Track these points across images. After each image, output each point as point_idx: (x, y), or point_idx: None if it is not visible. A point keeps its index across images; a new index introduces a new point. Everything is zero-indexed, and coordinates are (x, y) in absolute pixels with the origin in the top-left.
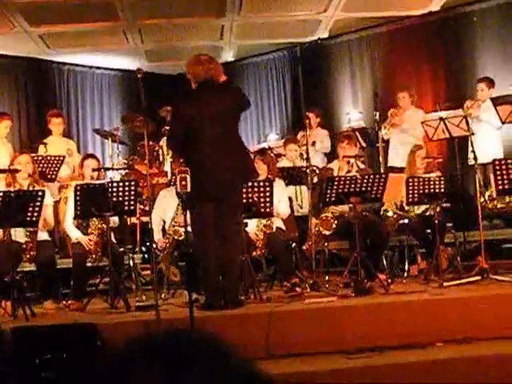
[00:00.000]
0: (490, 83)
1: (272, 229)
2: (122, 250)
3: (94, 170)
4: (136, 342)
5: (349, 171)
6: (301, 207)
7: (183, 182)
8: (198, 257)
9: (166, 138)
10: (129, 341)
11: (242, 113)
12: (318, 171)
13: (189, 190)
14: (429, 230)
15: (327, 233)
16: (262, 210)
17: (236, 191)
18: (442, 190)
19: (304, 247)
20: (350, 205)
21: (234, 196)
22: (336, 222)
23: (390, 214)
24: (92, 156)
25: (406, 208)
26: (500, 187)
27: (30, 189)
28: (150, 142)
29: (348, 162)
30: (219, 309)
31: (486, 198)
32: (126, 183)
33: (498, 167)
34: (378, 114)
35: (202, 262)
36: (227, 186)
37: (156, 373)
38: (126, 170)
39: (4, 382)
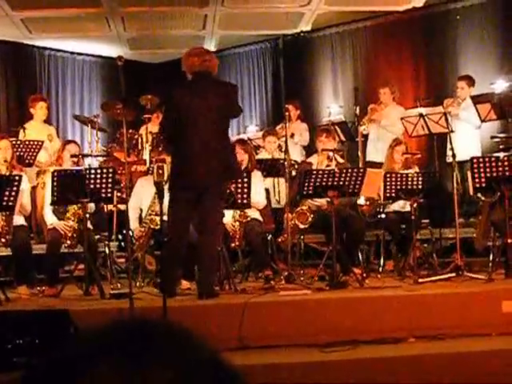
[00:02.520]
0: (470, 81)
1: (247, 218)
2: (97, 237)
3: (72, 155)
4: (96, 333)
5: (328, 165)
6: (277, 200)
7: (160, 171)
8: (197, 246)
9: (159, 124)
10: (89, 331)
11: (231, 116)
12: (296, 166)
13: (165, 179)
14: (404, 226)
15: (303, 226)
16: (240, 200)
17: (220, 184)
18: (420, 187)
19: (279, 239)
20: (328, 198)
21: (218, 189)
22: (312, 215)
23: (361, 201)
24: (73, 142)
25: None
26: (477, 185)
27: (7, 174)
28: (130, 130)
29: (328, 157)
30: (171, 296)
31: None
32: (104, 170)
33: (475, 165)
34: (358, 108)
35: (168, 247)
36: (212, 176)
37: (117, 366)
38: (105, 157)
39: None
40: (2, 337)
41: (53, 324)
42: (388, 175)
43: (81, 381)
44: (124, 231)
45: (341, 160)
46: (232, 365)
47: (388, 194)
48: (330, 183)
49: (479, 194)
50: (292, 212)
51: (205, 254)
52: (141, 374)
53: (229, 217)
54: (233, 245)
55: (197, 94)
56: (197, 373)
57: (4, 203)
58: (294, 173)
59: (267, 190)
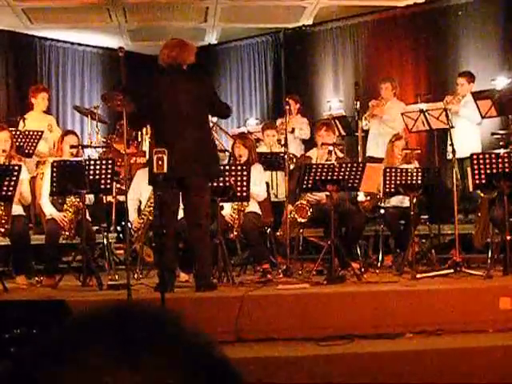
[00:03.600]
0: (471, 78)
1: (244, 209)
2: (96, 228)
3: (72, 146)
4: (86, 319)
5: (328, 160)
6: (275, 194)
7: (160, 162)
8: (190, 240)
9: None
10: (77, 317)
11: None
12: (295, 160)
13: (165, 170)
14: (403, 222)
15: (302, 220)
16: (239, 193)
17: (202, 177)
18: (419, 182)
19: (278, 233)
20: (327, 193)
21: (201, 182)
22: (311, 209)
23: (360, 198)
24: (72, 132)
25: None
26: (477, 181)
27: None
28: None
29: (329, 152)
30: (171, 291)
31: None
32: (104, 161)
33: (475, 161)
34: (358, 103)
35: (158, 246)
36: (189, 164)
37: (106, 352)
38: (104, 149)
39: None
40: None
41: (50, 314)
42: (388, 170)
43: (69, 366)
44: (122, 223)
45: (340, 154)
46: (225, 355)
47: (387, 189)
48: (329, 177)
49: (479, 191)
50: (292, 205)
51: (197, 247)
52: (131, 360)
53: (228, 209)
54: (231, 235)
55: (166, 84)
56: (189, 360)
57: (3, 193)
58: (292, 167)
59: (267, 184)
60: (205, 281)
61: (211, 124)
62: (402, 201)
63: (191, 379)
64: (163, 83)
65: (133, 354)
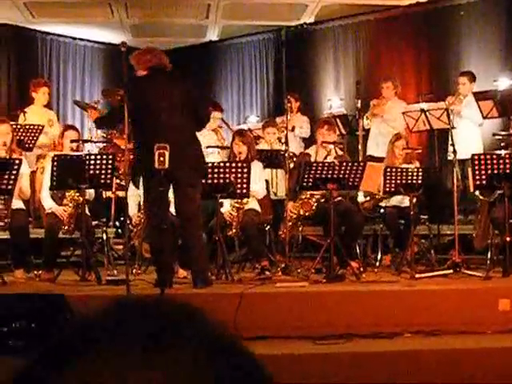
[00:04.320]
0: (472, 77)
1: (243, 206)
2: (95, 223)
3: (72, 141)
4: (106, 313)
5: (326, 157)
6: (274, 192)
7: (161, 158)
8: (183, 236)
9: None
10: (98, 312)
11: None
12: (294, 158)
13: (166, 166)
14: (402, 221)
15: (308, 214)
16: (239, 190)
17: (189, 175)
18: (420, 182)
19: (280, 232)
20: (327, 191)
21: (187, 179)
22: (316, 203)
23: (360, 199)
24: (72, 127)
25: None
26: (478, 182)
27: (7, 157)
28: None
29: (329, 150)
30: (170, 287)
31: None
32: (104, 157)
33: (476, 162)
34: (359, 102)
35: (152, 241)
36: (174, 162)
37: (129, 350)
38: (105, 144)
39: None
40: None
41: (49, 308)
42: (388, 169)
43: (90, 364)
44: (122, 218)
45: (340, 152)
46: (250, 351)
47: (387, 189)
48: (329, 175)
49: (478, 194)
50: (295, 202)
51: (189, 243)
52: (158, 358)
53: (227, 206)
54: (230, 233)
55: (155, 86)
56: (219, 359)
57: (3, 186)
58: (291, 165)
59: (266, 181)
60: (201, 276)
61: (219, 120)
62: (401, 201)
63: (221, 379)
64: (153, 84)
65: (160, 351)
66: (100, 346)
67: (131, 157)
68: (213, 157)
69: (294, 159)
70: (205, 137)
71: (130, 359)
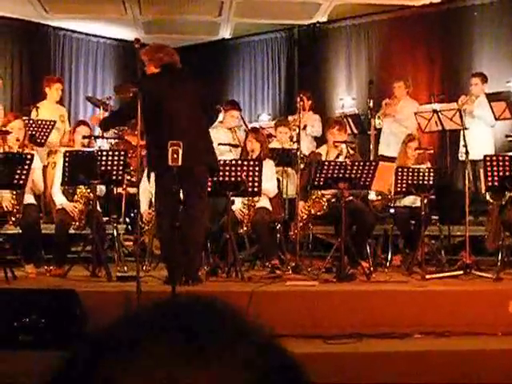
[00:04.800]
0: (484, 78)
1: (255, 204)
2: (106, 219)
3: (84, 137)
4: (147, 311)
5: (338, 156)
6: (286, 192)
7: (175, 156)
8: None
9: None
10: (139, 310)
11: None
12: (305, 159)
13: (180, 163)
14: (413, 222)
15: (319, 213)
16: (250, 188)
17: (200, 173)
18: (431, 182)
19: (291, 233)
20: (338, 190)
21: (199, 177)
22: (327, 202)
23: (371, 197)
24: (84, 123)
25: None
26: (490, 183)
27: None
28: None
29: (340, 150)
30: (181, 284)
31: None
32: (116, 153)
33: (488, 163)
34: (371, 101)
35: (162, 238)
36: (188, 160)
37: (172, 347)
38: (116, 140)
39: None
40: (8, 315)
41: (59, 303)
42: (400, 170)
43: (136, 361)
44: (132, 214)
45: (351, 151)
46: (289, 352)
47: (399, 189)
48: (341, 175)
49: (488, 197)
50: (306, 201)
51: (190, 241)
52: (201, 359)
53: (238, 204)
54: (240, 231)
55: (168, 84)
56: (262, 359)
57: (15, 181)
58: (302, 165)
59: (278, 180)
60: (192, 274)
61: (236, 119)
62: (413, 201)
63: (264, 380)
64: (167, 81)
65: (203, 351)
66: (144, 346)
67: (143, 153)
68: (225, 154)
69: (305, 160)
70: (221, 135)
71: (176, 359)
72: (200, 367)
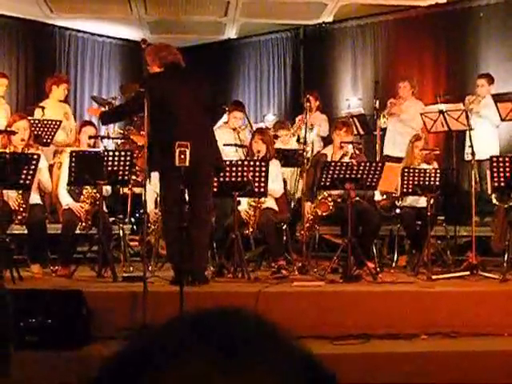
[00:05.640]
0: (490, 79)
1: (261, 205)
2: (112, 219)
3: (90, 137)
4: (182, 322)
5: (343, 156)
6: (291, 192)
7: (182, 156)
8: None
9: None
10: (172, 320)
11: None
12: (310, 159)
13: (187, 163)
14: (419, 222)
15: (325, 214)
16: (256, 189)
17: (207, 174)
18: (437, 183)
19: (298, 234)
20: (344, 191)
21: (206, 178)
22: (332, 203)
23: (377, 197)
24: (90, 123)
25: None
26: (496, 184)
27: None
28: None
29: (346, 151)
30: (187, 284)
31: None
32: (122, 153)
33: (495, 164)
34: (377, 101)
35: (168, 238)
36: (195, 160)
37: (208, 359)
38: (122, 140)
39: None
40: (14, 315)
41: (65, 304)
42: (406, 170)
43: (169, 374)
44: (137, 214)
45: (356, 152)
46: (325, 365)
47: (405, 189)
48: (347, 175)
49: (494, 200)
50: (312, 202)
51: (196, 241)
52: (241, 370)
53: (244, 204)
54: (246, 232)
55: (173, 83)
56: (292, 373)
57: (21, 181)
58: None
59: (284, 180)
60: (199, 276)
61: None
62: (417, 200)
63: None
64: (172, 80)
65: (240, 365)
66: (183, 359)
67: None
68: (231, 155)
69: (310, 160)
70: (225, 135)
71: (213, 372)
72: (237, 381)
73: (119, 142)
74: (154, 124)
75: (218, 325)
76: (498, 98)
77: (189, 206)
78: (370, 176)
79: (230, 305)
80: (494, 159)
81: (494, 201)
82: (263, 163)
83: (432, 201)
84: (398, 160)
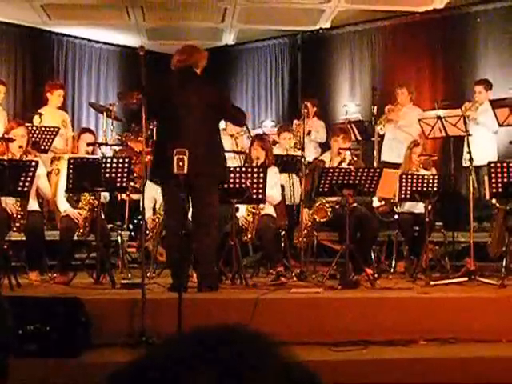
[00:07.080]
0: (488, 86)
1: (260, 212)
2: (110, 226)
3: (88, 144)
4: (185, 341)
5: (341, 163)
6: (290, 199)
7: (180, 164)
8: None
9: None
10: (176, 339)
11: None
12: (309, 165)
13: (185, 171)
14: (417, 228)
15: (323, 220)
16: (255, 196)
17: (210, 180)
18: (435, 189)
19: (295, 241)
20: (342, 197)
21: (209, 183)
22: (330, 209)
23: (375, 204)
24: (89, 130)
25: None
26: (494, 190)
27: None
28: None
29: (344, 157)
30: (185, 291)
31: None
32: (120, 160)
33: (493, 170)
34: (375, 108)
35: (168, 245)
36: (196, 167)
37: (210, 378)
38: (120, 147)
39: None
40: (12, 323)
41: (64, 311)
42: (404, 176)
43: None
44: (135, 221)
45: (354, 158)
46: (306, 367)
47: (403, 195)
48: (345, 181)
49: (494, 201)
50: (310, 208)
51: (201, 247)
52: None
53: (243, 211)
54: (245, 238)
55: (176, 84)
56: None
57: (19, 188)
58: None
59: (282, 187)
60: (208, 281)
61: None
62: (415, 206)
63: None
64: (173, 83)
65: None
66: (185, 380)
67: (147, 160)
68: (229, 162)
69: (308, 166)
70: (223, 142)
71: None
72: None
73: (117, 148)
74: (156, 130)
75: (219, 345)
76: (495, 104)
77: (192, 214)
78: (368, 182)
79: (226, 324)
80: (492, 165)
81: (494, 201)
82: (261, 170)
83: (430, 207)
84: (396, 166)
